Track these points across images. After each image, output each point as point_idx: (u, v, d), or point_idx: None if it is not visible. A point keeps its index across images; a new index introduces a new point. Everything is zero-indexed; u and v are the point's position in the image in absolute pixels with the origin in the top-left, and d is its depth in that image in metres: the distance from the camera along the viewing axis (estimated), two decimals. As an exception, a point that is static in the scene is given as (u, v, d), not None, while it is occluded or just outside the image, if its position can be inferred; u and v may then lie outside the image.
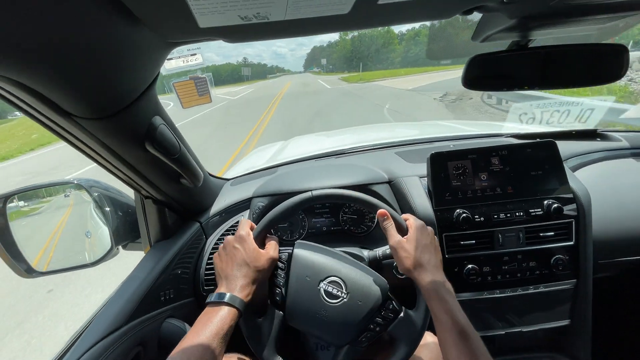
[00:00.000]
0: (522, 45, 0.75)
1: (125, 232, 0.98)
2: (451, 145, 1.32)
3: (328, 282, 0.74)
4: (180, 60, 0.61)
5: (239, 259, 0.70)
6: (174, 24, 0.40)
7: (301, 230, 1.15)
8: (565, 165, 1.09)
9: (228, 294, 0.64)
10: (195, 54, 0.61)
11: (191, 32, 0.42)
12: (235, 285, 0.66)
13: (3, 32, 0.31)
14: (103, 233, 0.97)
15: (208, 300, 0.65)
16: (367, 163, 1.22)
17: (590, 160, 1.20)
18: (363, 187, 1.07)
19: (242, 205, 1.15)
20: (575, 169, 1.16)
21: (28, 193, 0.93)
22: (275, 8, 0.37)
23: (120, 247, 1.01)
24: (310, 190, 0.79)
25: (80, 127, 0.51)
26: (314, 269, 0.75)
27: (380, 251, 0.95)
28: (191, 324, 0.92)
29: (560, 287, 0.97)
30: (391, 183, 1.10)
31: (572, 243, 0.95)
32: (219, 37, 0.45)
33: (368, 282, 0.74)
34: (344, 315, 0.71)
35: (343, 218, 1.17)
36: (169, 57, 0.59)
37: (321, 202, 0.80)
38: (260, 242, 0.75)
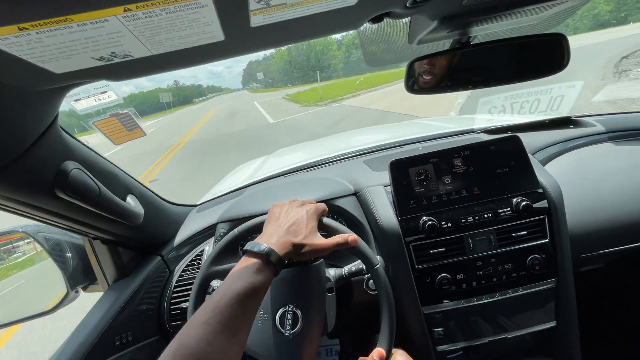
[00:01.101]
0: (463, 43, 0.72)
1: (82, 274, 0.94)
2: (420, 148, 1.28)
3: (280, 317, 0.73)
4: (90, 99, 0.58)
5: (304, 219, 0.65)
6: (29, 75, 0.37)
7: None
8: (534, 158, 1.05)
9: (267, 247, 0.57)
10: (105, 92, 0.58)
11: (53, 79, 0.38)
12: (284, 242, 0.60)
13: None
14: (58, 278, 0.93)
15: (247, 247, 0.59)
16: (335, 174, 1.19)
17: (564, 150, 1.16)
18: (327, 202, 1.04)
19: (207, 233, 1.11)
20: (547, 160, 1.12)
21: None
22: (129, 46, 0.33)
23: (79, 289, 0.97)
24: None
25: None
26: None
27: (346, 269, 0.91)
28: None
29: (541, 287, 0.92)
30: (357, 194, 1.06)
31: (546, 240, 0.91)
32: (89, 79, 0.42)
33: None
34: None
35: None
36: (75, 98, 0.56)
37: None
38: None
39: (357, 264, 0.96)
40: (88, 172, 0.64)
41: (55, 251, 0.90)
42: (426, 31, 0.64)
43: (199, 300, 0.75)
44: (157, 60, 0.39)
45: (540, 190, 0.92)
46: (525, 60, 0.71)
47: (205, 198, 1.37)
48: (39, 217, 0.64)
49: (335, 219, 1.00)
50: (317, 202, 1.01)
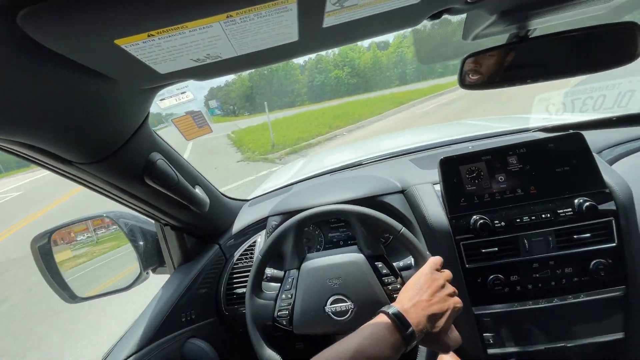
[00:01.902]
0: (522, 37, 0.71)
1: (152, 257, 1.05)
2: (470, 147, 1.25)
3: (331, 304, 0.76)
4: (172, 99, 0.67)
5: (447, 313, 0.61)
6: (140, 75, 0.44)
7: (318, 246, 1.16)
8: (600, 157, 0.98)
9: (412, 329, 0.56)
10: (184, 92, 0.67)
11: (157, 78, 0.46)
12: (423, 328, 0.58)
13: (10, 107, 0.38)
14: (133, 260, 1.05)
15: (388, 311, 0.58)
16: (382, 173, 1.20)
17: (634, 149, 1.06)
18: (374, 199, 1.06)
19: (259, 225, 1.18)
20: (614, 160, 1.03)
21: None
22: (221, 48, 0.39)
23: (150, 271, 1.09)
24: (319, 205, 0.87)
25: (82, 171, 0.58)
26: (313, 298, 0.79)
27: (397, 265, 0.93)
28: (213, 344, 0.96)
29: (607, 294, 0.86)
30: (405, 192, 1.07)
31: (614, 244, 0.84)
32: (185, 78, 0.48)
33: (356, 271, 0.79)
34: (360, 317, 0.75)
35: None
36: (161, 97, 0.64)
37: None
38: None
39: (404, 260, 0.97)
40: (169, 163, 0.73)
41: (132, 235, 1.02)
42: (483, 26, 0.64)
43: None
44: (239, 60, 0.45)
45: (607, 191, 0.86)
46: (591, 52, 0.68)
47: (256, 194, 1.46)
48: (127, 201, 0.75)
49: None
50: (366, 198, 1.03)
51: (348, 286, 0.78)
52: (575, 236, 0.85)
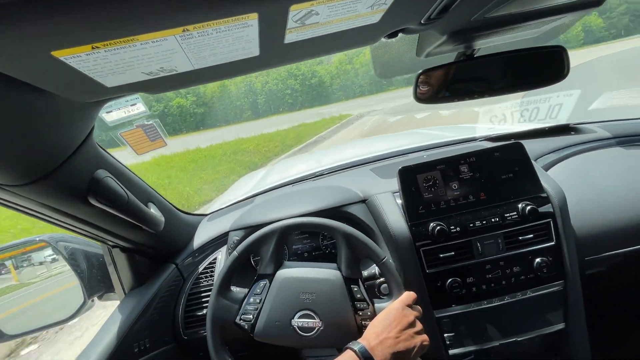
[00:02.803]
0: (468, 56, 0.76)
1: (98, 283, 0.96)
2: (424, 156, 1.32)
3: (299, 318, 0.74)
4: (121, 111, 0.61)
5: (413, 351, 0.64)
6: (83, 89, 0.40)
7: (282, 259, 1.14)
8: (537, 164, 1.09)
9: None
10: (135, 104, 0.62)
11: (102, 92, 0.42)
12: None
13: None
14: (76, 287, 0.95)
15: (355, 347, 0.61)
16: (344, 183, 1.21)
17: (565, 156, 1.19)
18: (338, 209, 1.06)
19: (219, 241, 1.13)
20: (549, 166, 1.15)
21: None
22: (177, 61, 0.37)
23: (95, 298, 0.99)
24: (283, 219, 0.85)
25: (14, 195, 0.51)
26: (282, 308, 0.77)
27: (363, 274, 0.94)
28: None
29: (549, 289, 0.94)
30: (366, 201, 1.09)
31: (553, 243, 0.93)
32: (135, 91, 0.45)
33: (331, 290, 0.78)
34: (325, 338, 0.74)
35: (323, 243, 1.15)
36: (107, 110, 0.59)
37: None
38: None
39: (369, 269, 0.98)
40: (117, 180, 0.67)
41: (74, 260, 0.92)
42: (434, 45, 0.68)
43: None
44: (196, 74, 0.42)
45: (545, 195, 0.95)
46: (527, 71, 0.75)
47: (214, 208, 1.40)
48: (68, 224, 0.67)
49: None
50: (329, 209, 1.04)
51: (320, 304, 0.77)
52: (520, 237, 0.93)
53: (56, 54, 0.29)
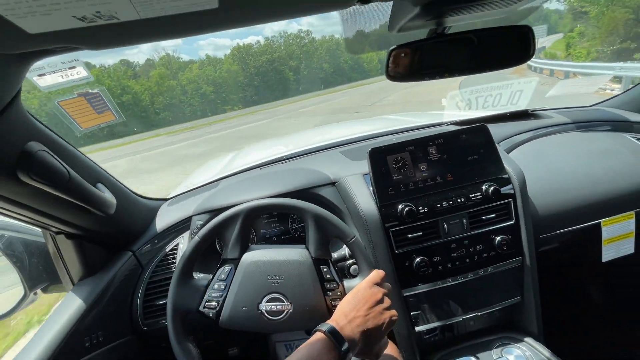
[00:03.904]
0: (439, 34, 0.75)
1: (41, 274, 0.86)
2: (394, 139, 1.32)
3: (267, 302, 0.71)
4: (57, 75, 0.53)
5: (382, 328, 0.65)
6: None
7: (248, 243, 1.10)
8: (500, 147, 1.12)
9: (347, 345, 0.59)
10: (74, 67, 0.53)
11: (22, 40, 0.35)
12: (358, 343, 0.61)
13: None
14: (15, 279, 0.85)
15: (323, 329, 0.60)
16: (313, 165, 1.19)
17: (523, 140, 1.25)
18: (307, 191, 1.04)
19: (181, 227, 1.06)
20: (510, 149, 1.20)
21: None
22: (117, 5, 0.31)
23: (38, 291, 0.89)
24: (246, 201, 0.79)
25: None
26: (248, 292, 0.73)
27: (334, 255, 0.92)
28: None
29: (508, 266, 0.99)
30: (336, 184, 1.07)
31: (512, 222, 0.97)
32: (66, 44, 0.38)
33: (300, 272, 0.75)
34: (295, 321, 0.72)
35: (292, 226, 1.12)
36: (40, 72, 0.51)
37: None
38: None
39: (338, 251, 0.97)
40: (55, 156, 0.58)
41: (10, 250, 0.82)
42: (406, 18, 0.66)
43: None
44: (144, 26, 0.36)
45: (506, 176, 0.99)
46: (495, 51, 0.76)
47: (177, 192, 1.31)
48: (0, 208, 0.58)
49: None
50: (299, 191, 1.01)
51: (288, 286, 0.74)
52: (483, 217, 0.96)
53: None
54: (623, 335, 1.37)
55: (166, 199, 1.24)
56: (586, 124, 1.31)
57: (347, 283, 0.78)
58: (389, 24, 0.74)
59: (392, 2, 0.62)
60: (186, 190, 1.28)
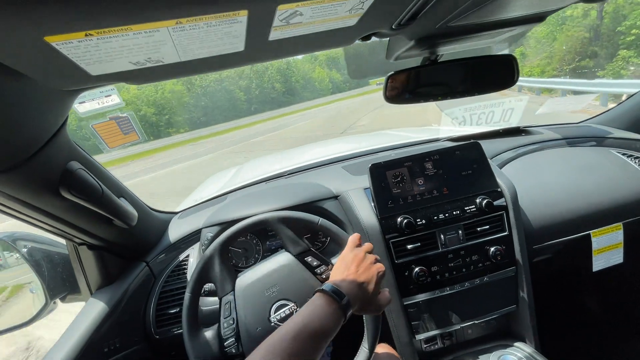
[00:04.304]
0: (432, 61, 0.83)
1: (61, 283, 0.91)
2: (393, 155, 1.39)
3: (275, 312, 0.77)
4: (94, 102, 0.60)
5: (374, 280, 0.68)
6: (64, 75, 0.40)
7: (256, 255, 1.15)
8: (493, 162, 1.19)
9: (347, 297, 0.61)
10: (110, 95, 0.61)
11: (84, 80, 0.42)
12: (355, 296, 0.63)
13: None
14: (38, 288, 0.90)
15: (327, 288, 0.61)
16: (317, 180, 1.25)
17: (516, 155, 1.32)
18: (311, 205, 1.10)
19: (192, 238, 1.12)
20: (503, 164, 1.27)
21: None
22: (165, 53, 0.38)
23: (58, 300, 0.94)
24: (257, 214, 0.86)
25: None
26: (255, 313, 0.78)
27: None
28: None
29: (503, 275, 1.04)
30: (339, 198, 1.13)
31: (506, 233, 1.03)
32: (118, 81, 0.45)
33: (290, 272, 0.82)
34: None
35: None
36: (80, 100, 0.58)
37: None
38: None
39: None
40: (90, 173, 0.65)
41: (33, 259, 0.87)
42: (403, 49, 0.74)
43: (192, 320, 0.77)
44: (182, 66, 0.43)
45: (499, 190, 1.05)
46: (483, 77, 0.83)
47: (185, 205, 1.37)
48: (36, 219, 0.64)
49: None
50: (304, 204, 1.07)
51: (286, 290, 0.79)
52: (478, 228, 1.02)
53: (49, 39, 0.29)
54: (618, 343, 1.40)
55: (175, 212, 1.30)
56: (575, 139, 1.38)
57: (333, 260, 0.84)
58: (387, 54, 0.82)
59: (389, 38, 0.70)
60: (194, 204, 1.34)
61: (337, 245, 0.85)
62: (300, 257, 0.83)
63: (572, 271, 1.35)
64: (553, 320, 1.34)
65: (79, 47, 0.32)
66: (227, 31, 0.37)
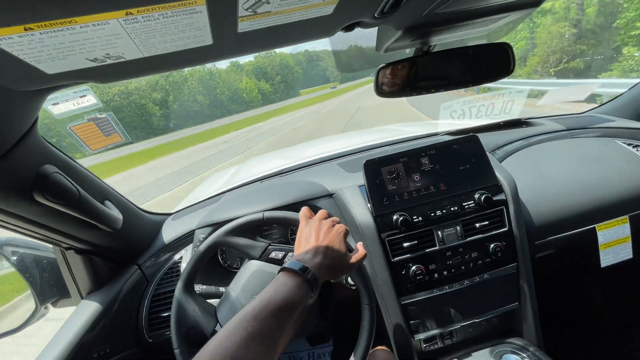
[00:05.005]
0: (425, 52, 0.80)
1: (51, 289, 0.90)
2: (389, 150, 1.36)
3: None
4: (69, 103, 0.58)
5: (336, 242, 0.67)
6: (20, 75, 0.38)
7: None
8: (493, 155, 1.16)
9: (308, 268, 0.59)
10: (85, 95, 0.59)
11: (42, 80, 0.39)
12: (320, 264, 0.62)
13: None
14: (27, 294, 0.88)
15: (287, 265, 0.60)
16: (312, 178, 1.22)
17: (517, 148, 1.28)
18: (305, 203, 1.07)
19: (185, 240, 1.10)
20: (503, 157, 1.23)
21: None
22: (124, 48, 0.36)
23: (49, 305, 0.93)
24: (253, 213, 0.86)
25: None
26: None
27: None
28: None
29: (504, 272, 1.01)
30: (334, 195, 1.10)
31: (506, 229, 1.00)
32: (79, 80, 0.43)
33: (263, 276, 0.81)
34: None
35: (292, 237, 1.15)
36: (53, 102, 0.56)
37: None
38: None
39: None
40: (67, 176, 0.63)
41: (23, 265, 0.86)
42: (392, 40, 0.71)
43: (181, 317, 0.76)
44: (147, 62, 0.41)
45: (498, 184, 1.02)
46: (478, 67, 0.80)
47: (180, 206, 1.36)
48: (14, 225, 0.62)
49: None
50: (298, 203, 1.05)
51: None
52: (477, 224, 0.98)
53: None
54: (624, 341, 1.36)
55: (170, 214, 1.28)
56: (578, 130, 1.34)
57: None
58: (376, 45, 0.79)
59: (377, 27, 0.67)
60: (189, 204, 1.32)
61: (296, 227, 0.83)
62: (264, 256, 0.82)
63: (578, 267, 1.31)
64: (556, 318, 1.30)
65: (22, 43, 0.30)
66: (187, 22, 0.34)
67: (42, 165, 0.59)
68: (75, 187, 0.64)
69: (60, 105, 0.57)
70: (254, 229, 0.85)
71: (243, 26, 0.39)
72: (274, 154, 2.28)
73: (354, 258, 0.70)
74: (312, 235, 0.68)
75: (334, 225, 0.71)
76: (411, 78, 0.81)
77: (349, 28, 0.56)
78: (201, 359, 0.41)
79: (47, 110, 0.56)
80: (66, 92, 0.55)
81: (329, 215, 0.77)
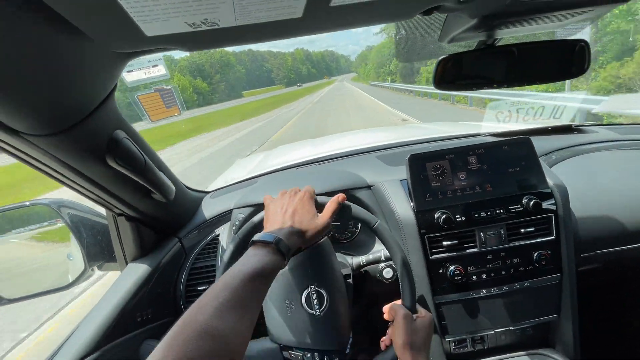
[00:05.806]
0: (489, 45, 0.76)
1: (99, 251, 0.94)
2: (430, 147, 1.33)
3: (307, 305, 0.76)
4: (141, 72, 0.59)
5: (299, 206, 0.69)
6: (119, 34, 0.39)
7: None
8: (542, 160, 1.11)
9: (275, 236, 0.61)
10: (156, 65, 0.60)
11: (139, 41, 0.40)
12: (289, 231, 0.64)
13: None
14: (77, 254, 0.93)
15: (254, 238, 0.62)
16: (349, 168, 1.21)
17: (567, 155, 1.22)
18: (345, 192, 1.07)
19: (222, 218, 1.12)
20: (552, 164, 1.17)
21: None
22: (222, 13, 0.36)
23: (95, 267, 0.98)
24: None
25: (31, 145, 0.49)
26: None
27: (363, 258, 0.95)
28: None
29: (546, 282, 0.97)
30: (372, 188, 1.09)
31: (553, 237, 0.95)
32: (171, 45, 0.44)
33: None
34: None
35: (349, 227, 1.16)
36: (128, 69, 0.57)
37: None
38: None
39: (373, 253, 0.99)
40: (135, 143, 0.65)
41: (75, 227, 0.90)
42: (461, 29, 0.68)
43: None
44: (236, 31, 0.41)
45: (549, 190, 0.97)
46: (548, 63, 0.76)
47: (216, 185, 1.39)
48: (80, 185, 0.65)
49: None
50: (335, 192, 1.04)
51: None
52: (522, 230, 0.95)
53: None
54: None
55: (207, 192, 1.31)
56: (635, 141, 1.26)
57: None
58: (440, 35, 0.76)
59: (446, 14, 0.65)
60: (226, 184, 1.35)
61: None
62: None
63: (626, 285, 1.24)
64: (599, 335, 1.24)
65: (139, 1, 0.30)
66: None
67: (115, 129, 0.61)
68: (142, 154, 0.66)
69: (134, 73, 0.58)
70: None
71: (337, 0, 0.39)
72: (304, 143, 2.28)
73: (325, 213, 0.71)
74: (277, 209, 0.70)
75: (296, 193, 0.73)
76: (472, 71, 0.78)
77: (427, 12, 0.54)
78: (174, 331, 0.41)
79: (122, 77, 0.58)
80: (141, 60, 0.56)
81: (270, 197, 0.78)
